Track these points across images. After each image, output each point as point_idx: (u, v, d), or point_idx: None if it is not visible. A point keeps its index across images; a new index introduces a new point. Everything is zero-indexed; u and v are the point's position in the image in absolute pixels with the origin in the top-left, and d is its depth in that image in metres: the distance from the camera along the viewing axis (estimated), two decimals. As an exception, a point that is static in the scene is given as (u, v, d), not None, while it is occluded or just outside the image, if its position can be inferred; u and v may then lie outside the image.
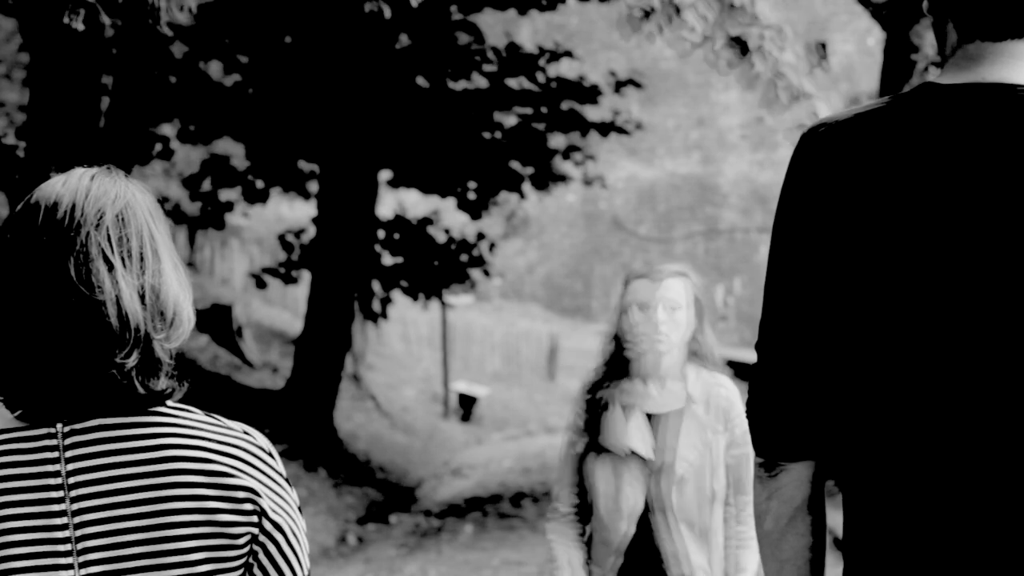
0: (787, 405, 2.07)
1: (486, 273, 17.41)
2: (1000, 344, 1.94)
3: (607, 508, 4.11)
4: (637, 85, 17.38)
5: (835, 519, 7.62)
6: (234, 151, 16.50)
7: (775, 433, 2.09)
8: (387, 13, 7.37)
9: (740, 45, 7.42)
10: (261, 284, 17.16)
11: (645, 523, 4.07)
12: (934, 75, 2.10)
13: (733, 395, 4.15)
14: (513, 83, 16.17)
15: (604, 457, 4.12)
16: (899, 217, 1.98)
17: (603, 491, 4.12)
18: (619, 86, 17.20)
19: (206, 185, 16.13)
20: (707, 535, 4.08)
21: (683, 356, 4.18)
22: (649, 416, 4.13)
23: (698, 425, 4.10)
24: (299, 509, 1.99)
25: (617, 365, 4.23)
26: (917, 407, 1.98)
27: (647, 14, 6.94)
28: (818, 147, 2.05)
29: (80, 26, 5.38)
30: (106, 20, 5.47)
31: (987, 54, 2.03)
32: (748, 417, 2.13)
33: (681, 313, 4.17)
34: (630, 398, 4.16)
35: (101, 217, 1.90)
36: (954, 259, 1.96)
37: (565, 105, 16.50)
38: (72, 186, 1.93)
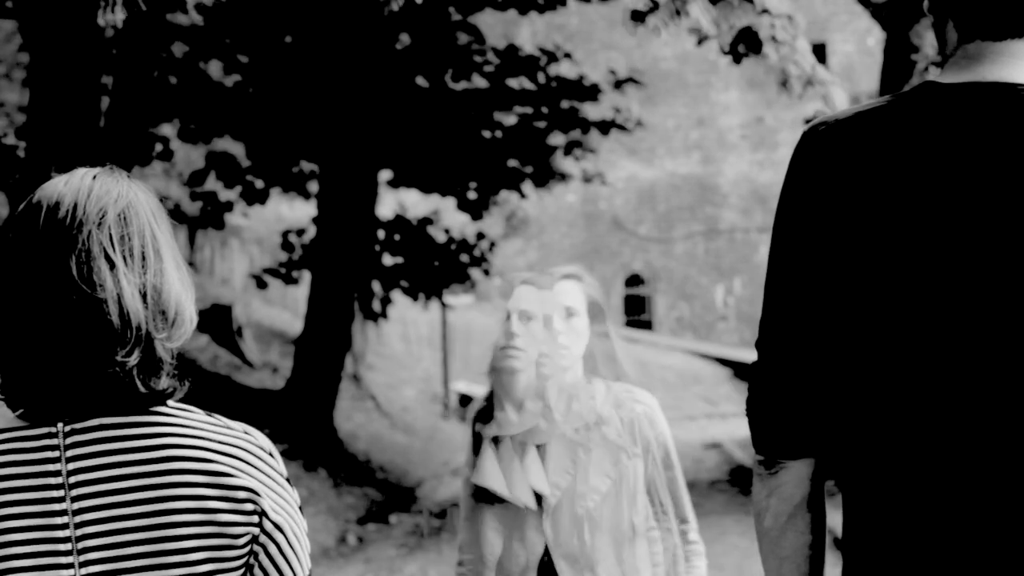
0: (787, 403, 2.07)
1: (486, 273, 17.41)
2: (1000, 343, 1.94)
3: (494, 563, 3.58)
4: (637, 83, 17.41)
5: (834, 519, 7.62)
6: (234, 150, 16.51)
7: (775, 431, 2.09)
8: (395, 6, 7.36)
9: (751, 37, 7.42)
10: (262, 284, 17.16)
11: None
12: (934, 75, 2.10)
13: (653, 410, 3.62)
14: (513, 83, 16.18)
15: (492, 503, 3.59)
16: (899, 216, 1.98)
17: (490, 541, 3.59)
18: (619, 84, 17.22)
19: (210, 180, 16.13)
20: None
21: (585, 370, 3.66)
22: (539, 446, 3.59)
23: (610, 449, 3.55)
24: (300, 509, 1.99)
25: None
26: (917, 406, 1.98)
27: (654, 7, 6.96)
28: (819, 146, 2.06)
29: (119, 20, 5.35)
30: (116, 19, 5.45)
31: (987, 53, 2.04)
32: (748, 415, 2.13)
33: (579, 321, 3.66)
34: (520, 427, 3.60)
35: (103, 216, 1.90)
36: (954, 258, 1.96)
37: (565, 104, 16.51)
38: (74, 185, 1.93)
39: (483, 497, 3.59)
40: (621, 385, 3.66)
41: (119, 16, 5.42)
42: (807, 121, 11.48)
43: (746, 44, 7.62)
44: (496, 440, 3.61)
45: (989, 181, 1.96)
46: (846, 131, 2.04)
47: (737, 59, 8.03)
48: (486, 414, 3.67)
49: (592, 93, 16.49)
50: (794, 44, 7.49)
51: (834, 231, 2.02)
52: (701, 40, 7.53)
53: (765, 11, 7.47)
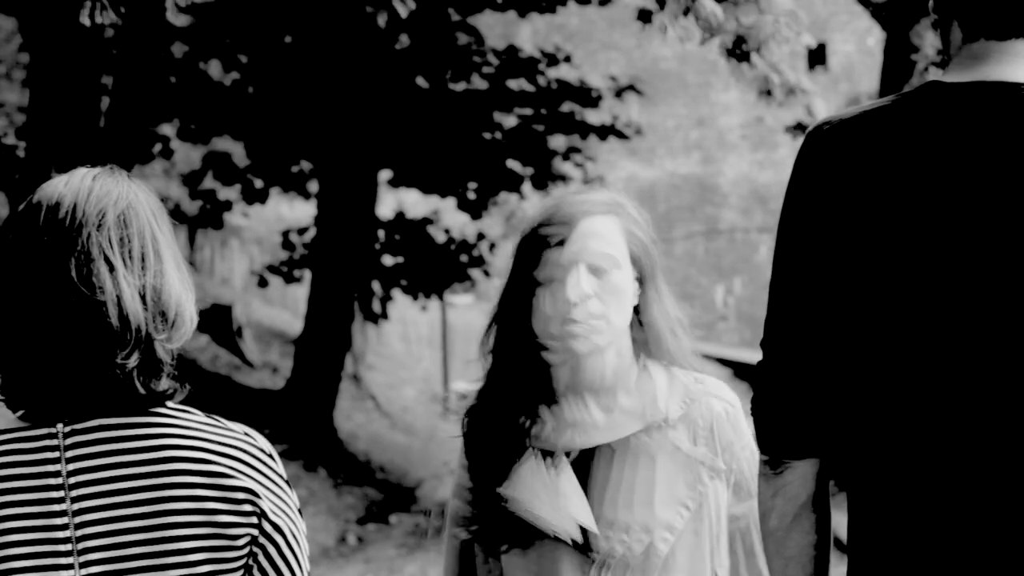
0: (792, 402, 2.07)
1: (486, 273, 17.41)
2: (1004, 343, 1.94)
3: None
4: (638, 92, 17.45)
5: (836, 519, 7.61)
6: (234, 150, 16.52)
7: (780, 430, 2.09)
8: (381, 21, 7.38)
9: (743, 44, 7.43)
10: (264, 283, 17.18)
11: None
12: (935, 75, 2.11)
13: (735, 409, 2.49)
14: (513, 84, 16.20)
15: (525, 541, 2.42)
16: (904, 215, 1.98)
17: None
18: (619, 92, 17.24)
19: (209, 180, 16.15)
20: None
21: (634, 349, 2.49)
22: (590, 458, 2.43)
23: (683, 464, 2.42)
24: (299, 511, 1.99)
25: (527, 381, 2.47)
26: (921, 406, 1.97)
27: (661, 5, 6.95)
28: (823, 145, 2.06)
29: (107, 19, 5.35)
30: (108, 19, 5.46)
31: (992, 53, 2.04)
32: (753, 415, 2.13)
33: (620, 275, 2.42)
34: (553, 434, 2.43)
35: (103, 217, 1.90)
36: (958, 257, 1.96)
37: (565, 107, 16.54)
38: (74, 186, 1.93)
39: (512, 532, 2.42)
40: (686, 372, 2.52)
41: (108, 17, 5.43)
42: (788, 129, 11.45)
43: (739, 51, 7.64)
44: (543, 453, 2.44)
45: (993, 181, 1.96)
46: (851, 130, 2.04)
47: (740, 60, 8.02)
48: (531, 412, 2.46)
49: (592, 100, 16.52)
50: (799, 40, 7.47)
51: (839, 230, 2.02)
52: (704, 39, 7.52)
53: (769, 7, 7.47)
